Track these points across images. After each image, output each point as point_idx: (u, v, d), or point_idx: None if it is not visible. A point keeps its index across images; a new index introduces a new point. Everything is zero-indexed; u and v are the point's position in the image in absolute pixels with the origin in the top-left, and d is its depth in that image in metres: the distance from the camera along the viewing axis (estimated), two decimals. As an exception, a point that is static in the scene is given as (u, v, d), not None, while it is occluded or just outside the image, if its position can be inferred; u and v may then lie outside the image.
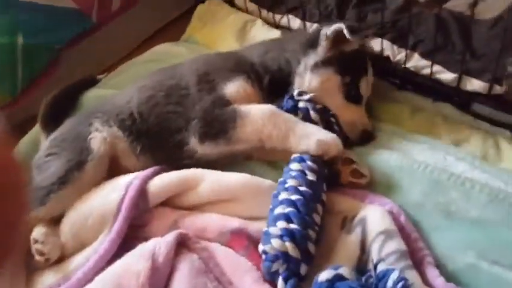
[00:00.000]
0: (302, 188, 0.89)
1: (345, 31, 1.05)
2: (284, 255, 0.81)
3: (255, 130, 1.00)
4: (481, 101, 1.12)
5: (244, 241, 0.90)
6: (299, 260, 0.81)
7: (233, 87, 1.08)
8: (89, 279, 0.88)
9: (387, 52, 1.22)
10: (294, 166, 0.95)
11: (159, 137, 1.10)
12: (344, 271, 0.77)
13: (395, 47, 1.21)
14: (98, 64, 1.81)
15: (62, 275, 0.93)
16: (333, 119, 1.07)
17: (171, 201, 1.01)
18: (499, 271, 0.79)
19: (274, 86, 1.14)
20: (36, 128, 1.39)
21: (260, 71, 1.15)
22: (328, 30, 1.09)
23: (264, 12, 1.62)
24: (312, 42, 1.14)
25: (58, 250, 0.97)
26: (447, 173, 0.94)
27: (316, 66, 1.11)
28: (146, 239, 0.94)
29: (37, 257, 0.95)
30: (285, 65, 1.15)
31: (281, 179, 0.95)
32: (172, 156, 1.09)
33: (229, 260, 0.87)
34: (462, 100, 1.14)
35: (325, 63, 1.11)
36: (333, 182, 0.97)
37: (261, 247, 0.84)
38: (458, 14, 1.19)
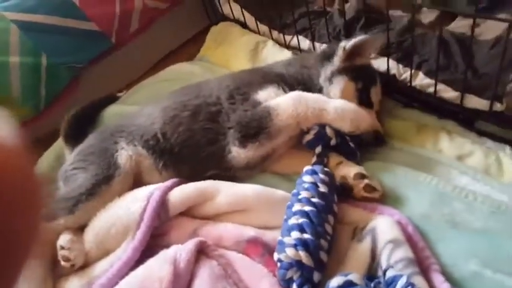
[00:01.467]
0: (314, 200, 0.95)
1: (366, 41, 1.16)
2: (298, 264, 0.86)
3: (290, 115, 1.09)
4: (484, 118, 1.17)
5: (260, 249, 0.95)
6: (312, 268, 0.86)
7: (265, 93, 1.17)
8: (113, 284, 0.93)
9: (393, 71, 1.29)
10: (307, 178, 1.01)
11: (182, 152, 1.17)
12: (354, 277, 0.82)
13: (400, 67, 1.27)
14: (116, 82, 1.90)
15: (87, 281, 0.98)
16: (347, 137, 1.12)
17: (190, 211, 1.08)
18: (502, 278, 0.82)
19: None
20: (59, 142, 1.47)
21: (289, 81, 1.24)
22: (347, 43, 1.19)
23: (275, 33, 1.70)
24: (328, 55, 1.24)
25: (83, 257, 1.03)
26: (451, 185, 0.99)
27: (332, 76, 1.21)
28: (166, 247, 1.00)
29: (63, 263, 1.01)
30: (307, 79, 1.25)
31: (294, 191, 1.00)
32: (197, 169, 1.16)
33: (246, 266, 0.92)
34: (466, 117, 1.20)
35: (340, 72, 1.21)
36: (346, 196, 1.03)
37: (276, 255, 0.90)
38: (460, 35, 1.26)
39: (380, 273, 0.86)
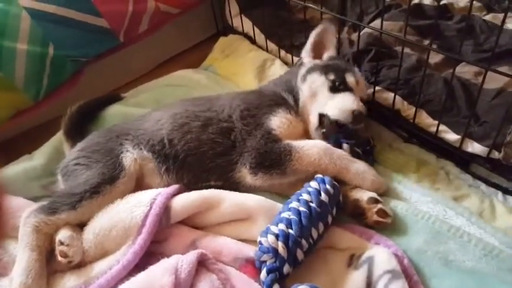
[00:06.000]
0: (312, 204, 1.01)
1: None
2: (274, 251, 0.93)
3: (311, 163, 1.12)
4: (479, 162, 1.23)
5: (257, 272, 0.96)
6: (285, 260, 0.93)
7: (278, 120, 1.21)
8: (111, 287, 0.93)
9: (398, 106, 1.33)
10: (313, 184, 1.07)
11: (187, 160, 1.19)
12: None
13: (405, 103, 1.33)
14: (116, 80, 1.91)
15: (83, 280, 0.98)
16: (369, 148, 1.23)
17: (190, 219, 1.09)
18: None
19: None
20: (59, 136, 1.45)
21: (288, 98, 1.30)
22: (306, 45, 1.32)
23: (283, 52, 1.74)
24: (300, 62, 1.34)
25: (80, 255, 1.02)
26: (447, 225, 1.04)
27: (304, 76, 1.30)
28: (163, 254, 1.01)
29: (60, 259, 1.00)
30: (293, 87, 1.32)
31: (298, 191, 1.07)
32: (200, 177, 1.19)
33: (244, 285, 0.94)
34: (462, 159, 1.25)
35: (310, 70, 1.31)
36: (357, 219, 1.08)
37: (258, 238, 0.97)
38: (466, 81, 1.32)
39: (375, 302, 0.89)
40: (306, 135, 1.27)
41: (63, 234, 1.02)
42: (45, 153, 1.40)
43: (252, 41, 1.86)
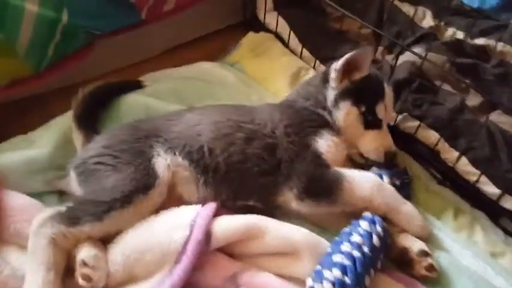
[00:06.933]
0: (365, 249, 0.96)
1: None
2: None
3: (361, 198, 1.05)
4: (510, 217, 1.23)
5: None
6: None
7: (325, 143, 1.13)
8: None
9: (439, 147, 1.30)
10: (364, 225, 1.01)
11: (229, 174, 1.08)
12: None
13: (446, 145, 1.29)
14: (126, 58, 1.72)
15: (109, 310, 0.86)
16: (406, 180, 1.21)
17: (228, 247, 0.99)
18: None
19: None
20: (66, 120, 1.29)
21: (325, 115, 1.22)
22: (337, 64, 1.20)
23: (317, 63, 1.64)
24: (327, 77, 1.24)
25: (105, 278, 0.90)
26: (488, 284, 1.02)
27: (336, 101, 1.21)
28: (196, 284, 0.92)
29: (81, 282, 0.87)
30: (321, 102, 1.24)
31: (347, 229, 1.01)
32: (239, 195, 1.09)
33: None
34: (495, 212, 1.24)
35: (342, 95, 1.21)
36: (401, 267, 1.04)
37: (310, 282, 0.90)
38: (507, 132, 1.31)
39: None
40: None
41: (86, 253, 0.89)
42: (51, 140, 1.22)
43: (284, 43, 1.74)
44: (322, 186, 1.06)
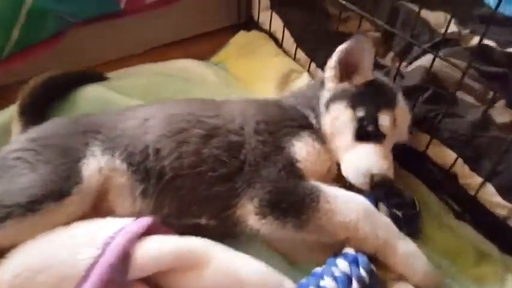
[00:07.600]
0: None
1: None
2: None
3: (344, 224, 0.80)
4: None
5: None
6: None
7: (303, 148, 0.90)
8: None
9: (455, 169, 1.03)
10: (341, 265, 0.77)
11: (175, 182, 0.86)
12: None
13: (466, 168, 1.02)
14: (102, 53, 1.56)
15: None
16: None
17: (155, 277, 0.76)
18: None
19: None
20: (11, 111, 1.11)
21: (310, 117, 0.99)
22: (331, 61, 1.00)
23: (313, 66, 1.43)
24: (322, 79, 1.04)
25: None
26: None
27: (328, 104, 0.98)
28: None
29: None
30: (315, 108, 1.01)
31: (318, 270, 0.79)
32: (187, 211, 0.86)
33: None
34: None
35: (336, 97, 0.97)
36: None
37: None
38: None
39: None
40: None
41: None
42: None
43: (278, 43, 1.55)
44: (291, 201, 0.82)
